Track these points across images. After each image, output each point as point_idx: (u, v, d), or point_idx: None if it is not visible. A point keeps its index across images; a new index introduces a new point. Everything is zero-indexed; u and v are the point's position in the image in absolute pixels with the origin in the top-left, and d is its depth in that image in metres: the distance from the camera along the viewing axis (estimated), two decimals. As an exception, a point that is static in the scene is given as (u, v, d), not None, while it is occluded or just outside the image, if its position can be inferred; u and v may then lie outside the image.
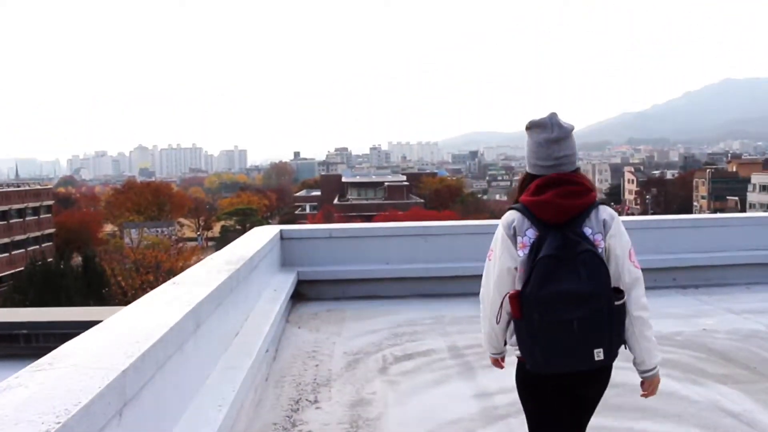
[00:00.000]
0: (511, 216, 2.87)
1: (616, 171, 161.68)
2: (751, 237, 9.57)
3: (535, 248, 2.74)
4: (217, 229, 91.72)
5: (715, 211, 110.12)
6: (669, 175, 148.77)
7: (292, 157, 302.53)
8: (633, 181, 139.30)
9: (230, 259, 5.50)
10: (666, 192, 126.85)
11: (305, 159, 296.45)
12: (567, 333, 2.64)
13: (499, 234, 2.88)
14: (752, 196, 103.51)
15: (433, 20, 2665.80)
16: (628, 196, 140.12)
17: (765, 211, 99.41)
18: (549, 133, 2.93)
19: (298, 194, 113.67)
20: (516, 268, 2.80)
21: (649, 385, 2.94)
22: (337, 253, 8.48)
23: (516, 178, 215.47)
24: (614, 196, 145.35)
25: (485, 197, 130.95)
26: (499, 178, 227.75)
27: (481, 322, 3.03)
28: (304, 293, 8.26)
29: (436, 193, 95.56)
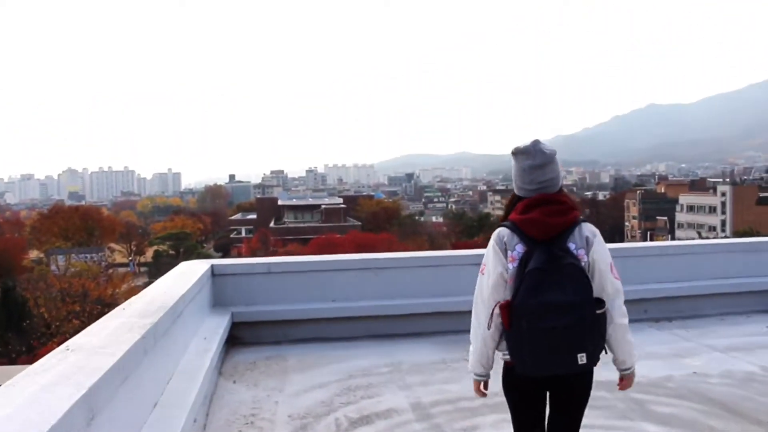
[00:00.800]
0: (503, 232, 3.13)
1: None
2: (720, 264, 9.00)
3: (523, 262, 3.01)
4: (150, 254, 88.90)
5: (646, 231, 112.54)
6: (601, 196, 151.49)
7: (227, 179, 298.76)
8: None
9: (147, 308, 4.45)
10: (598, 212, 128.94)
11: (240, 182, 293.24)
12: (552, 339, 2.89)
13: (491, 247, 3.14)
14: (680, 216, 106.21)
15: (374, 46, 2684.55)
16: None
17: (692, 231, 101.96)
18: (532, 160, 3.17)
19: (233, 218, 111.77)
20: (506, 277, 3.07)
21: (627, 380, 3.25)
22: (276, 290, 7.44)
23: (452, 200, 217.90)
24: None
25: (422, 219, 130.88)
26: (435, 200, 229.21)
27: (472, 337, 3.19)
28: (239, 337, 7.20)
29: (374, 215, 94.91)
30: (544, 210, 3.06)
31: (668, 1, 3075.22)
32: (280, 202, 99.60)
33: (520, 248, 3.03)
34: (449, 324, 7.33)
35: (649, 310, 8.32)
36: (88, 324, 3.74)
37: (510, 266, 3.04)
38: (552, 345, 2.88)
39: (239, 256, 77.84)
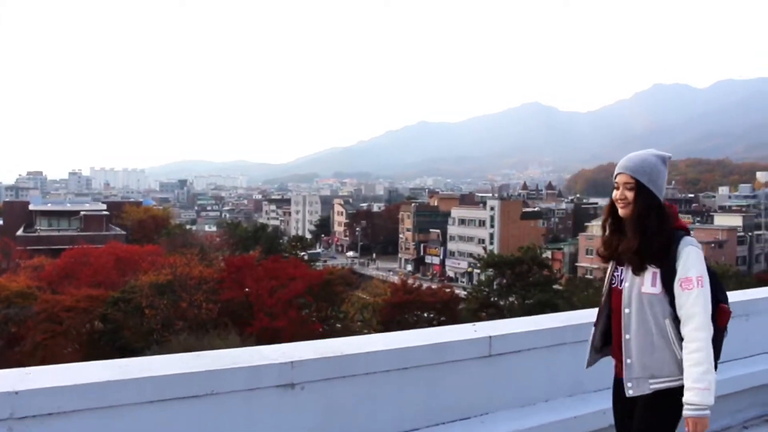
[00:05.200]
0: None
1: (326, 203, 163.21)
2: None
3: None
4: None
5: (419, 244, 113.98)
6: (376, 207, 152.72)
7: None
8: (342, 213, 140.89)
9: None
10: (374, 224, 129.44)
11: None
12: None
13: (702, 256, 3.05)
14: (452, 229, 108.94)
15: (153, 47, 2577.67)
16: (338, 228, 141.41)
17: (464, 243, 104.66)
18: None
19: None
20: None
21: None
22: None
23: (227, 209, 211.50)
24: (324, 228, 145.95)
25: (194, 228, 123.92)
26: (209, 208, 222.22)
27: (705, 361, 2.92)
28: None
29: (141, 224, 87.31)
30: None
31: (437, 24, 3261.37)
32: (31, 207, 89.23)
33: None
34: None
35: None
36: None
37: None
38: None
39: (-25, 269, 67.36)
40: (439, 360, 3.72)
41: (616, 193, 3.15)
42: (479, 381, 3.85)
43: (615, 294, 3.20)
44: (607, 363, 3.57)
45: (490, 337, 3.80)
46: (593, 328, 3.32)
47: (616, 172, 3.17)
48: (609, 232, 3.24)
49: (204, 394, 3.11)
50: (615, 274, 3.22)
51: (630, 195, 3.08)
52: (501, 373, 3.85)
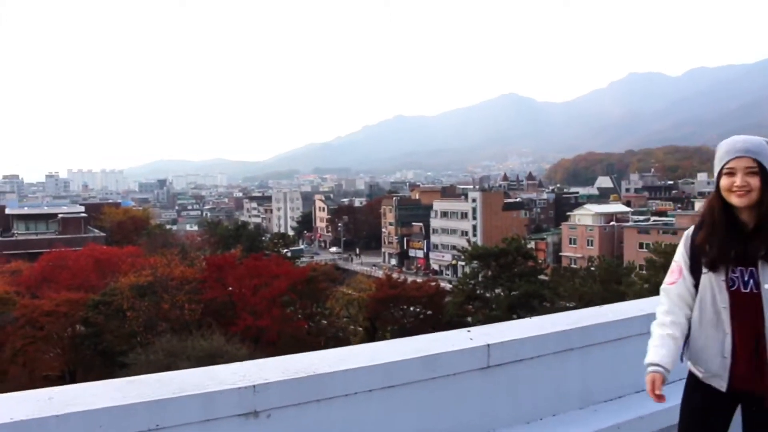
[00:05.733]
0: None
1: (307, 199, 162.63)
2: None
3: None
4: None
5: (402, 237, 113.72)
6: (357, 202, 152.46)
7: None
8: (324, 209, 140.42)
9: None
10: (356, 219, 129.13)
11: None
12: None
13: None
14: (435, 222, 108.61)
15: (127, 48, 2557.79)
16: (320, 224, 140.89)
17: (447, 235, 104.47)
18: None
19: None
20: None
21: None
22: None
23: (207, 207, 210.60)
24: (306, 224, 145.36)
25: (175, 228, 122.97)
26: (190, 207, 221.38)
27: None
28: None
29: (120, 225, 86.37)
30: None
31: (412, 18, 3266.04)
32: (8, 211, 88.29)
33: None
34: None
35: None
36: None
37: None
38: None
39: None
40: (430, 375, 3.23)
41: (731, 180, 2.77)
42: (477, 396, 3.39)
43: (741, 298, 2.79)
44: (612, 368, 3.12)
45: (488, 345, 3.34)
46: (728, 346, 2.81)
47: (730, 157, 2.78)
48: (723, 231, 2.82)
49: (147, 429, 2.57)
50: (732, 276, 2.80)
51: (754, 181, 2.73)
52: (502, 386, 3.46)
